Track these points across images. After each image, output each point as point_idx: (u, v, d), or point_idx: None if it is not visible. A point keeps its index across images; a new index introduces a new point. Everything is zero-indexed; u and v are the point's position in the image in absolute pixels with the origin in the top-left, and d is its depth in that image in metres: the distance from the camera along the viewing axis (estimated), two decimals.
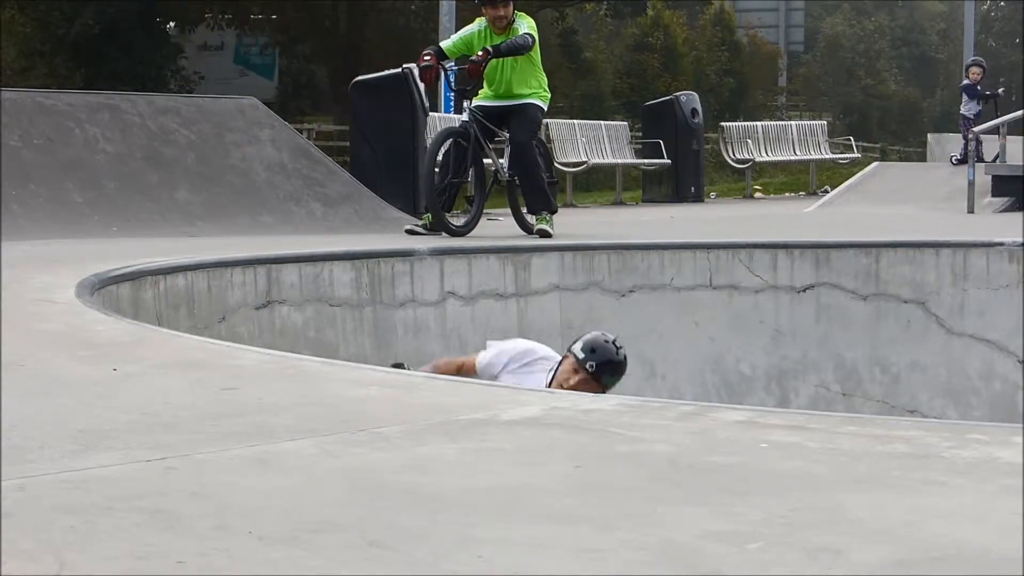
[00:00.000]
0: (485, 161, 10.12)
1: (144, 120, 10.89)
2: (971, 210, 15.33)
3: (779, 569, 2.06)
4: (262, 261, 7.75)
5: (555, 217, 10.17)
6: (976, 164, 15.93)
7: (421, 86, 12.08)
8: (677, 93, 23.11)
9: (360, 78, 13.04)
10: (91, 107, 10.82)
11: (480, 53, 9.47)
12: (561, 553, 2.13)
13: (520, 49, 9.54)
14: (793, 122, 29.53)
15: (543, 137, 13.87)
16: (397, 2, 32.40)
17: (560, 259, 8.93)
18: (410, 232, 10.04)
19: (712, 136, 27.73)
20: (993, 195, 16.36)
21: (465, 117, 9.86)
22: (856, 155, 27.76)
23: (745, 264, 9.19)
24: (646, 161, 21.94)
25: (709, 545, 2.17)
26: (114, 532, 2.21)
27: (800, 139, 25.77)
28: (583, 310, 8.87)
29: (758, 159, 25.01)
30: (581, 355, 5.88)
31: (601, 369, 5.86)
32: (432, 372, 5.91)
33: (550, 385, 5.80)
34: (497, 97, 9.84)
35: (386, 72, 12.94)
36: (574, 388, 5.65)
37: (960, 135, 18.92)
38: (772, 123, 28.77)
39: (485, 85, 9.84)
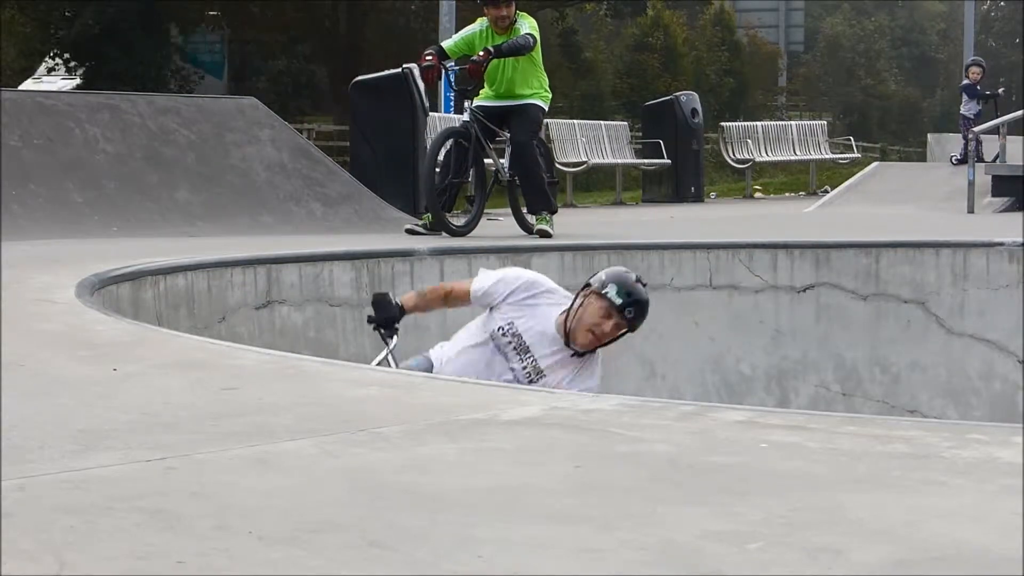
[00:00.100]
0: (486, 161, 10.12)
1: (144, 120, 10.90)
2: (971, 210, 15.33)
3: (779, 569, 2.06)
4: (262, 261, 7.76)
5: (555, 217, 10.17)
6: (976, 164, 15.93)
7: (421, 86, 12.08)
8: (677, 93, 23.11)
9: (360, 78, 13.04)
10: (91, 107, 10.83)
11: (482, 53, 9.47)
12: (561, 553, 2.13)
13: (522, 49, 9.54)
14: (793, 122, 29.53)
15: (544, 137, 13.88)
16: (397, 2, 32.39)
17: (560, 259, 8.93)
18: (410, 232, 10.04)
19: (712, 136, 27.73)
20: (993, 195, 16.36)
21: (466, 117, 9.86)
22: (856, 155, 27.76)
23: (745, 264, 9.19)
24: (646, 161, 21.94)
25: (709, 545, 2.17)
26: (114, 532, 2.21)
27: (800, 139, 25.78)
28: None
29: (758, 159, 25.01)
30: (619, 300, 5.32)
31: (637, 315, 5.39)
32: (417, 299, 5.77)
33: (566, 324, 5.32)
34: (498, 97, 9.84)
35: (386, 72, 12.94)
36: (607, 334, 5.31)
37: (960, 135, 18.93)
38: (772, 123, 28.78)
39: (486, 85, 9.84)
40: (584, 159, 21.28)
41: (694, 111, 21.49)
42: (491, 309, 5.52)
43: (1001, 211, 15.66)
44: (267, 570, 2.04)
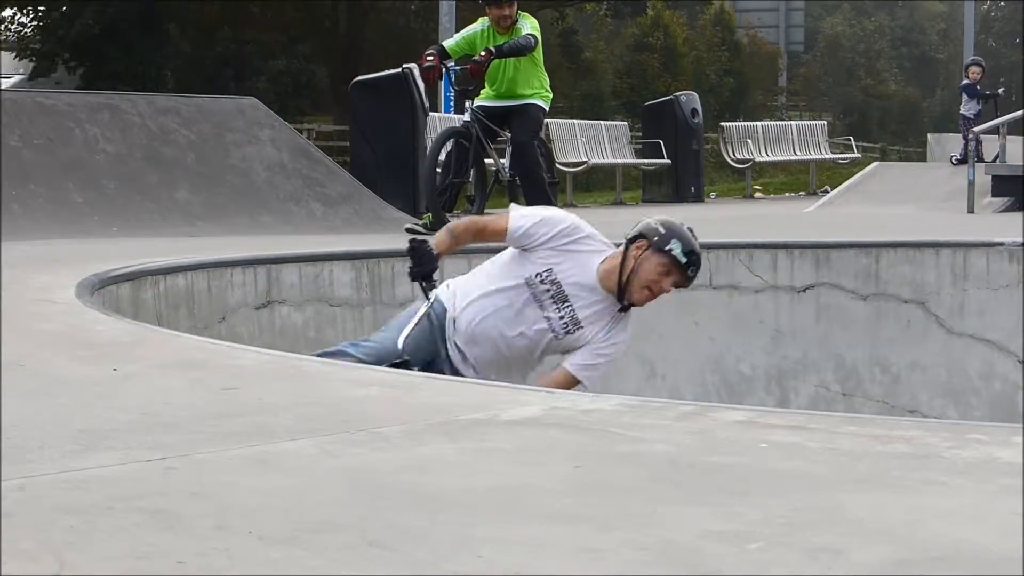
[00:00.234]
0: (486, 161, 10.12)
1: (144, 120, 10.90)
2: (971, 210, 15.33)
3: (779, 569, 2.06)
4: (262, 261, 7.76)
5: None
6: (976, 164, 15.93)
7: (421, 86, 12.08)
8: (677, 93, 23.11)
9: (360, 78, 13.04)
10: (91, 107, 10.83)
11: (483, 53, 9.46)
12: (561, 553, 2.13)
13: (523, 50, 9.53)
14: (793, 122, 29.53)
15: (544, 137, 13.88)
16: (397, 2, 32.41)
17: None
18: (410, 232, 10.03)
19: (712, 136, 27.73)
20: (993, 195, 16.35)
21: (467, 117, 9.86)
22: (856, 155, 27.76)
23: (745, 264, 9.19)
24: (646, 161, 21.94)
25: (709, 545, 2.17)
26: (114, 532, 2.21)
27: (800, 139, 25.77)
28: None
29: (758, 159, 25.01)
30: (684, 259, 5.06)
31: (696, 273, 5.20)
32: (450, 241, 5.23)
33: (620, 277, 5.06)
34: (499, 97, 9.83)
35: (386, 72, 12.94)
36: (662, 292, 5.12)
37: (960, 135, 18.93)
38: (772, 123, 28.78)
39: (487, 85, 9.84)
40: (584, 159, 21.28)
41: (694, 111, 21.49)
42: (525, 250, 5.13)
43: (1001, 211, 15.65)
44: (267, 570, 2.04)
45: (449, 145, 9.83)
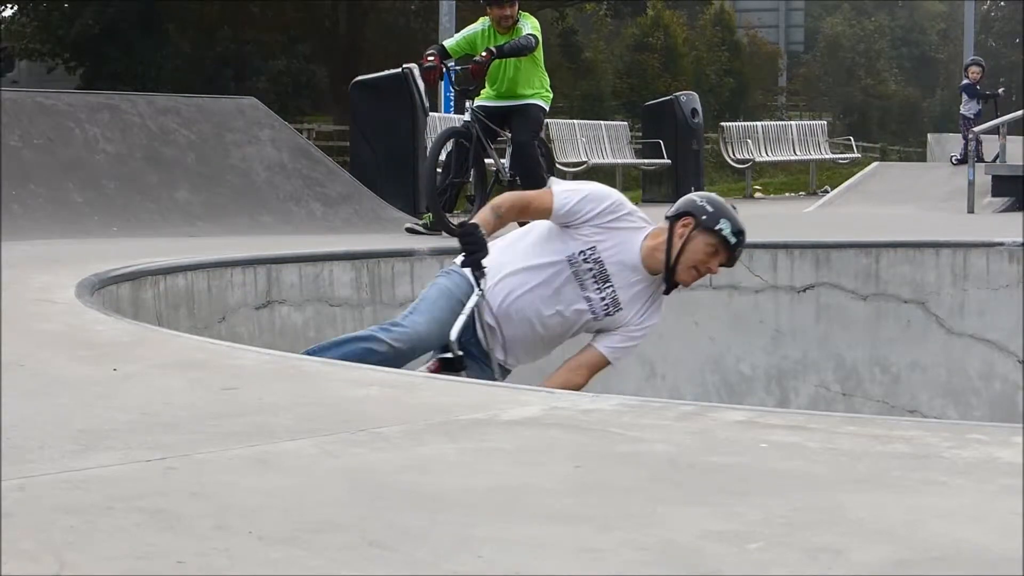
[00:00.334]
0: (486, 161, 10.12)
1: (144, 120, 10.90)
2: (971, 210, 15.33)
3: (779, 569, 2.06)
4: (262, 261, 7.76)
5: None
6: (976, 164, 15.93)
7: (421, 86, 12.08)
8: (677, 93, 23.09)
9: (360, 78, 13.03)
10: (91, 107, 10.83)
11: (484, 54, 9.46)
12: (561, 553, 2.13)
13: (524, 50, 9.53)
14: (793, 122, 29.54)
15: (545, 137, 13.87)
16: (397, 2, 32.42)
17: None
18: (410, 231, 10.04)
19: (712, 136, 27.74)
20: (993, 195, 16.36)
21: (467, 117, 9.86)
22: (856, 155, 27.77)
23: (745, 264, 9.18)
24: (646, 161, 21.94)
25: (709, 545, 2.17)
26: (114, 532, 2.21)
27: (800, 139, 25.78)
28: None
29: (758, 159, 25.02)
30: (733, 239, 4.95)
31: (740, 255, 5.11)
32: (495, 222, 4.91)
33: (668, 258, 4.96)
34: (499, 97, 9.83)
35: (386, 72, 12.93)
36: (709, 272, 5.04)
37: (960, 135, 18.93)
38: (772, 123, 28.79)
39: (487, 85, 9.84)
40: (584, 159, 21.28)
41: (694, 111, 21.48)
42: (566, 227, 4.95)
43: (1001, 211, 15.66)
44: (267, 570, 2.04)
45: (449, 145, 9.83)
